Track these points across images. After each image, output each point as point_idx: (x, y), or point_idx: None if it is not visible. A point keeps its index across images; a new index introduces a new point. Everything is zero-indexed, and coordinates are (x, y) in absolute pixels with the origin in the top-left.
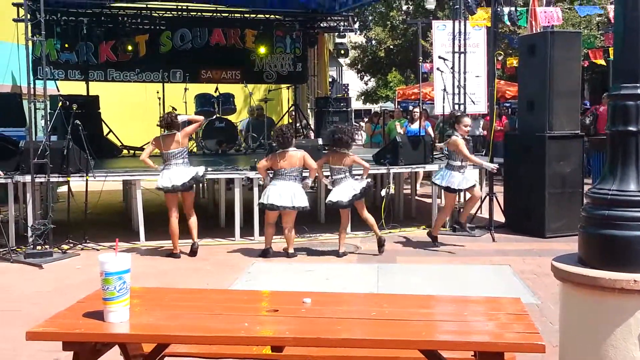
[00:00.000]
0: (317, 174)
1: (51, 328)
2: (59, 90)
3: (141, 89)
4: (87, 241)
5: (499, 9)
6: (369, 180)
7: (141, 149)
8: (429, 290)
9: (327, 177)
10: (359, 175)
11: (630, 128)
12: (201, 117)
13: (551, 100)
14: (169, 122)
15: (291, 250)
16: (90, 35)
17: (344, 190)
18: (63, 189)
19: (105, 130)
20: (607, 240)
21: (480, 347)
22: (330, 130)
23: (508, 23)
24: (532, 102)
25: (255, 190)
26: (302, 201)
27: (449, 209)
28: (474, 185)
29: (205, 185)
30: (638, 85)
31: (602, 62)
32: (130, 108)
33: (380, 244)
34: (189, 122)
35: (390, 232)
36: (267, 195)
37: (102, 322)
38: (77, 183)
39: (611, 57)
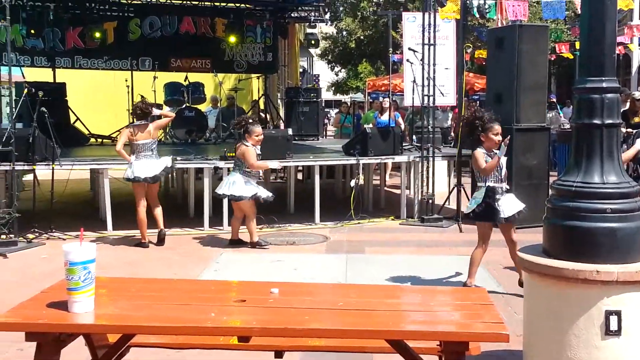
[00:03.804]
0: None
1: (14, 318)
2: (24, 77)
3: (109, 76)
4: (53, 230)
5: (468, 2)
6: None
7: (109, 137)
8: (396, 281)
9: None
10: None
11: (595, 121)
12: (173, 114)
13: (518, 93)
14: (142, 112)
15: (255, 239)
16: (57, 21)
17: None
18: (29, 177)
19: (73, 118)
20: (571, 231)
21: (446, 336)
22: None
23: (477, 16)
24: (500, 94)
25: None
26: (238, 191)
27: None
28: None
29: (174, 174)
30: (603, 78)
31: (569, 55)
32: (98, 96)
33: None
34: (159, 117)
35: (359, 223)
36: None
37: (66, 313)
38: (43, 171)
39: (578, 50)
